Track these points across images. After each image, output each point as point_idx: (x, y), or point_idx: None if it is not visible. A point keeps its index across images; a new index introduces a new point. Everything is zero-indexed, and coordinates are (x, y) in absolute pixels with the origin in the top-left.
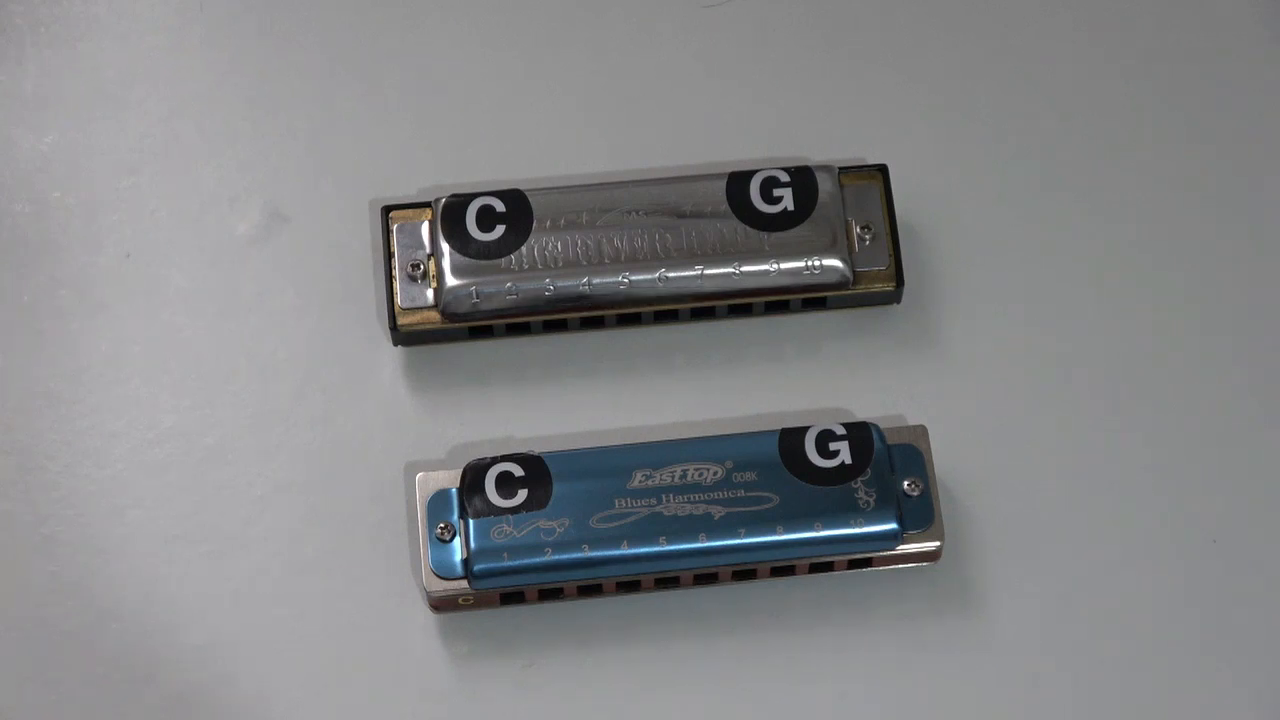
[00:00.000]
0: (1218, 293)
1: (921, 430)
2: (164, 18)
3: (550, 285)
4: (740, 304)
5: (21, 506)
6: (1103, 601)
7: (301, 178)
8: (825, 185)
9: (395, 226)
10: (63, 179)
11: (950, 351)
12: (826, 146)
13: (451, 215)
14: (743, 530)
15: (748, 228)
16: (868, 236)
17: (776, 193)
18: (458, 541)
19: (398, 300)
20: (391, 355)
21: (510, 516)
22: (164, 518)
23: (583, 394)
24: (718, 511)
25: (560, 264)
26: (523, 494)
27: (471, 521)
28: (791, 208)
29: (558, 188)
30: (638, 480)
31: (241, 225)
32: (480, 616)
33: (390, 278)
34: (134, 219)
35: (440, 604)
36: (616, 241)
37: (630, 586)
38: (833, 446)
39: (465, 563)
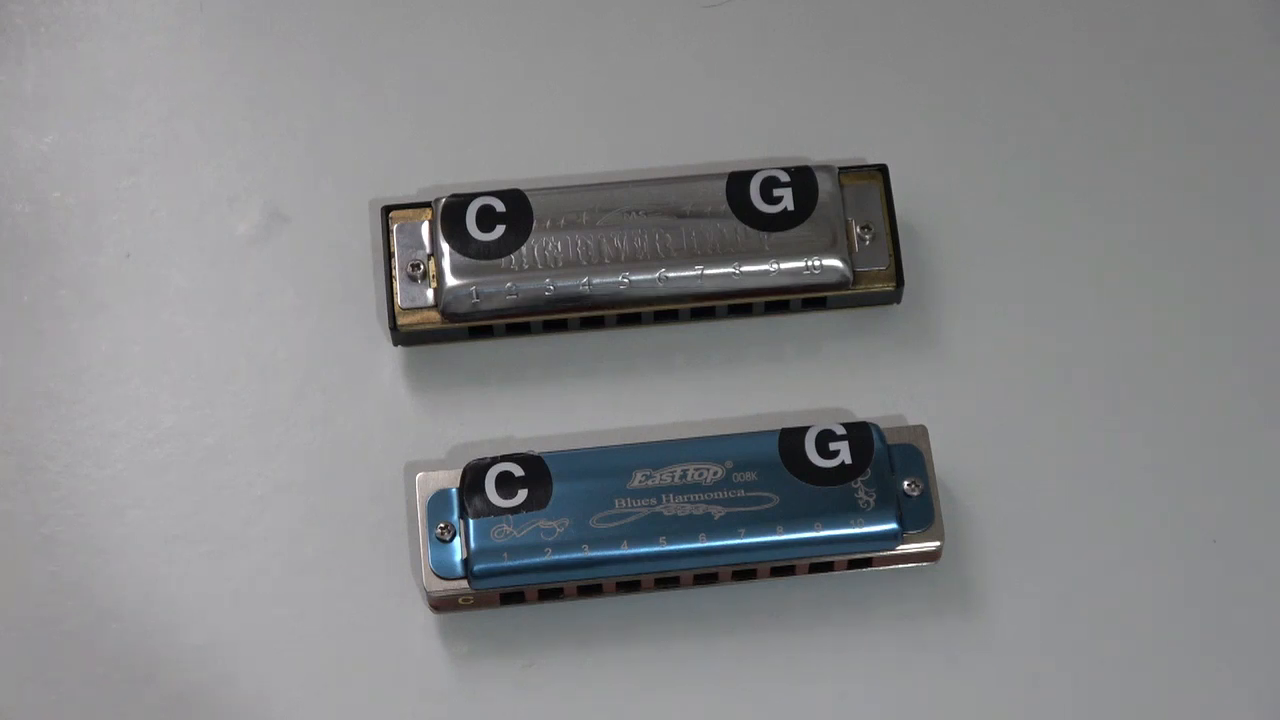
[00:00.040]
0: (1218, 293)
1: (921, 430)
2: (164, 18)
3: (550, 285)
4: (740, 304)
5: (21, 506)
6: (1103, 601)
7: (301, 178)
8: (825, 185)
9: (395, 226)
10: (63, 179)
11: (950, 351)
12: (826, 146)
13: (451, 215)
14: (743, 530)
15: (748, 228)
16: (868, 236)
17: (776, 193)
18: (458, 541)
19: (398, 300)
20: (391, 355)
21: (510, 516)
22: (164, 518)
23: (583, 394)
24: (718, 511)
25: (560, 264)
26: (523, 494)
27: (471, 521)
28: (791, 208)
29: (558, 188)
30: (638, 480)
31: (241, 225)
32: (480, 616)
33: (390, 278)
34: (134, 219)
35: (440, 604)
36: (616, 241)
37: (630, 586)
38: (833, 446)
39: (465, 563)
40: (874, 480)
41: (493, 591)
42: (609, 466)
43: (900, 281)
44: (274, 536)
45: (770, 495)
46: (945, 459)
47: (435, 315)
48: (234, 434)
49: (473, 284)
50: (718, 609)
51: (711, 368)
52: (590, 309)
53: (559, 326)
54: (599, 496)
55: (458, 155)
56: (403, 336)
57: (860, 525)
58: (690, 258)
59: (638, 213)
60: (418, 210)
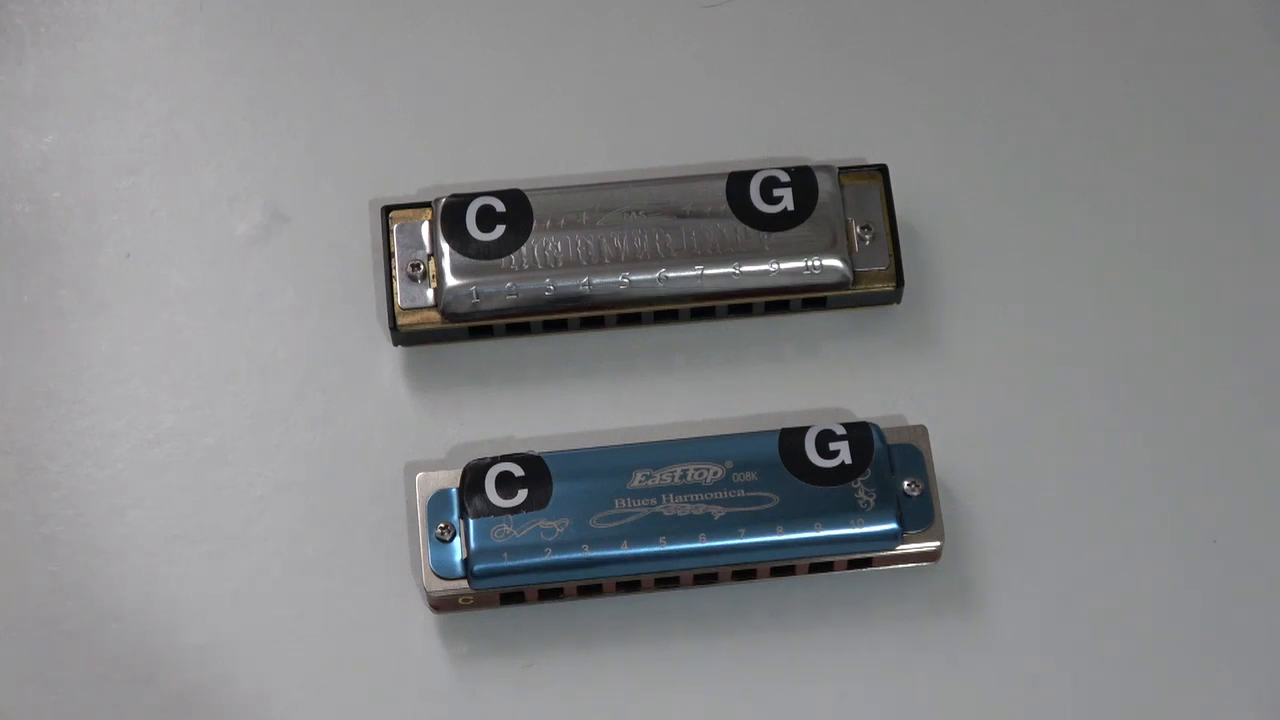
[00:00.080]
0: (1218, 293)
1: (921, 430)
2: (164, 18)
3: (550, 285)
4: (740, 304)
5: (21, 506)
6: (1103, 601)
7: (301, 178)
8: (825, 185)
9: (395, 226)
10: (63, 179)
11: (950, 351)
12: (826, 146)
13: (451, 215)
14: (743, 530)
15: (748, 228)
16: (868, 236)
17: (776, 193)
18: (458, 541)
19: (398, 300)
20: (391, 355)
21: (510, 516)
22: (164, 518)
23: (583, 394)
24: (718, 511)
25: (560, 264)
26: (523, 494)
27: (471, 521)
28: (791, 208)
29: (558, 188)
30: (638, 480)
31: (241, 225)
32: (480, 616)
33: (390, 278)
34: (134, 219)
35: (440, 604)
36: (616, 241)
37: (630, 586)
38: (833, 446)
39: (465, 563)
40: (874, 480)
41: (493, 591)
42: (609, 466)
43: (900, 281)
44: (274, 536)
45: (770, 495)
46: (945, 459)
47: (435, 315)
48: (234, 434)
49: (473, 284)
50: (718, 609)
51: (711, 368)
52: (590, 309)
53: (559, 326)
54: (599, 496)
55: (458, 155)
56: (403, 336)
57: (860, 525)
58: (690, 258)
59: (638, 213)
60: (418, 210)
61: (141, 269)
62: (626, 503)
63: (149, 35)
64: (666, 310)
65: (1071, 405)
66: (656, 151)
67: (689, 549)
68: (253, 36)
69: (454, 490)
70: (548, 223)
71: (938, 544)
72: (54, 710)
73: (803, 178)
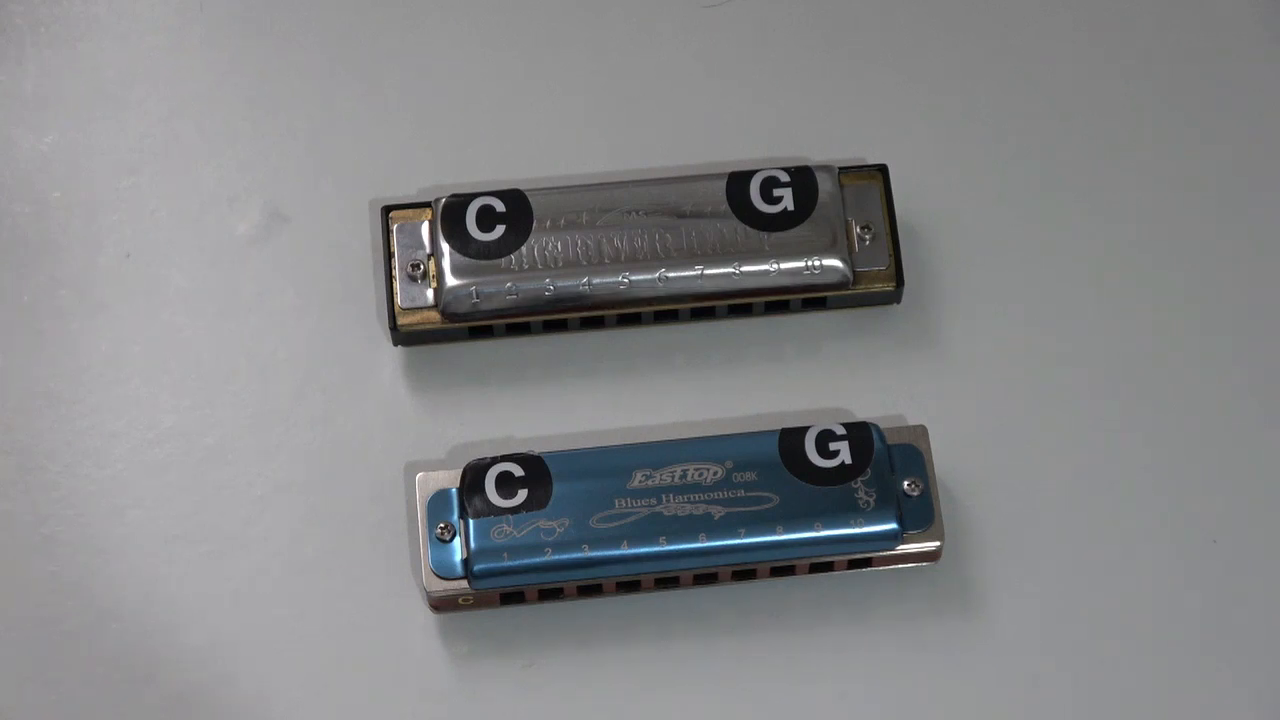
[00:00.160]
0: (1218, 293)
1: (921, 430)
2: (164, 18)
3: (550, 285)
4: (740, 304)
5: (21, 506)
6: (1103, 601)
7: (301, 178)
8: (825, 185)
9: (395, 226)
10: (63, 179)
11: (950, 351)
12: (826, 146)
13: (451, 215)
14: (743, 530)
15: (748, 228)
16: (868, 236)
17: (776, 193)
18: (458, 541)
19: (398, 300)
20: (391, 355)
21: (510, 516)
22: (164, 518)
23: (583, 394)
24: (718, 511)
25: (560, 264)
26: (523, 494)
27: (471, 521)
28: (791, 208)
29: (558, 188)
30: (638, 480)
31: (241, 225)
32: (480, 616)
33: (390, 278)
34: (134, 219)
35: (440, 604)
36: (616, 241)
37: (630, 586)
38: (833, 446)
39: (465, 563)
40: (874, 480)
41: (493, 591)
42: (609, 466)
43: (900, 281)
44: (274, 536)
45: (770, 495)
46: (945, 459)
47: (435, 315)
48: (234, 434)
49: (473, 284)
50: (718, 609)
51: (711, 368)
52: (590, 309)
53: (559, 326)
54: (599, 496)
55: (458, 155)
56: (403, 336)
57: (860, 525)
58: (690, 258)
59: (638, 213)
60: (418, 210)
61: (141, 269)
62: (626, 503)
63: (149, 35)
64: (666, 310)
65: (1071, 405)
66: (656, 151)
67: (689, 549)
68: (253, 36)
69: (454, 490)
70: (548, 223)
71: (938, 544)
72: (54, 710)
73: (803, 178)
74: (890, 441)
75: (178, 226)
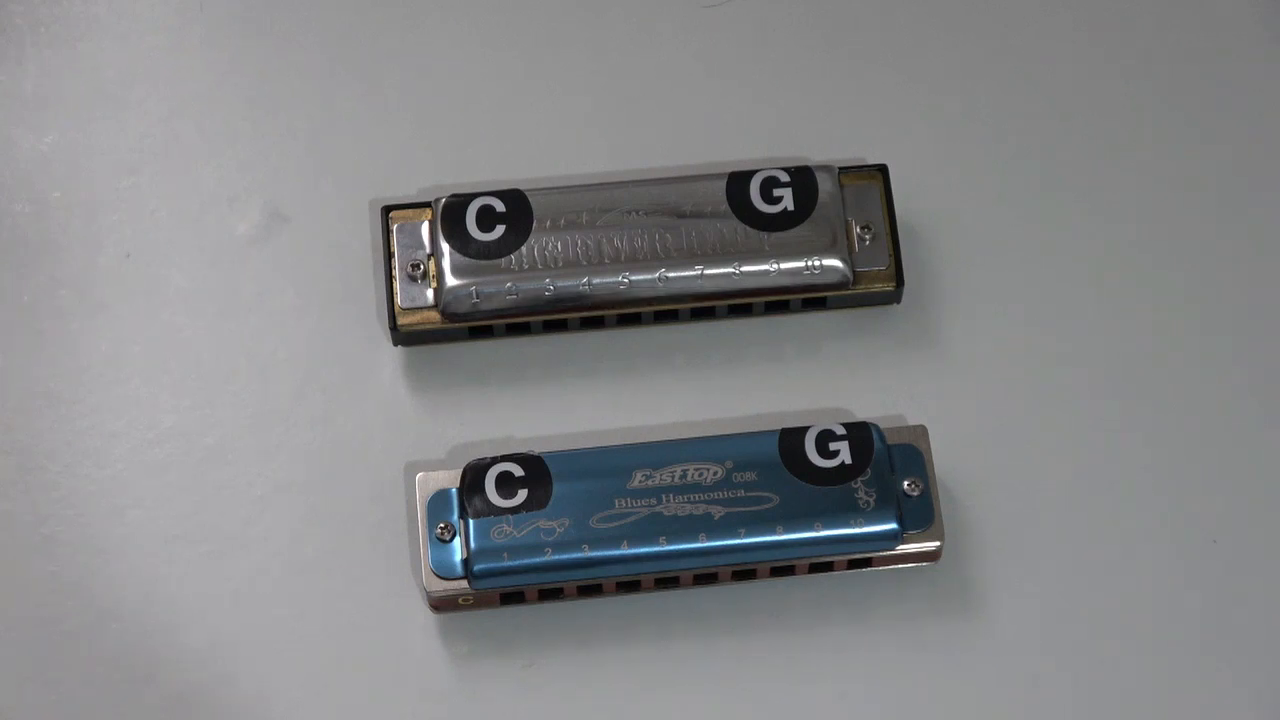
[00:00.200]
0: (1218, 293)
1: (921, 430)
2: (164, 18)
3: (550, 285)
4: (740, 304)
5: (21, 506)
6: (1103, 601)
7: (301, 178)
8: (825, 185)
9: (395, 226)
10: (63, 179)
11: (950, 351)
12: (826, 146)
13: (451, 215)
14: (743, 530)
15: (748, 228)
16: (868, 236)
17: (776, 193)
18: (458, 541)
19: (398, 300)
20: (391, 355)
21: (510, 516)
22: (164, 518)
23: (583, 394)
24: (718, 511)
25: (560, 264)
26: (523, 494)
27: (471, 521)
28: (791, 208)
29: (558, 188)
30: (638, 480)
31: (241, 225)
32: (480, 616)
33: (390, 278)
34: (134, 219)
35: (440, 604)
36: (616, 241)
37: (630, 586)
38: (833, 446)
39: (465, 563)
40: (874, 480)
41: (493, 591)
42: (609, 466)
43: (900, 281)
44: (274, 536)
45: (770, 495)
46: (945, 459)
47: (435, 315)
48: (234, 434)
49: (473, 284)
50: (718, 609)
51: (711, 368)
52: (590, 309)
53: (559, 326)
54: (599, 496)
55: (458, 155)
56: (403, 336)
57: (860, 525)
58: (690, 258)
59: (638, 213)
60: (418, 210)
61: (141, 269)
62: (626, 503)
63: (149, 35)
64: (666, 310)
65: (1071, 405)
66: (656, 151)
67: (689, 549)
68: (253, 36)
69: (454, 490)
70: (548, 223)
71: (938, 544)
72: (54, 710)
73: (803, 178)
74: (890, 441)
75: (178, 226)
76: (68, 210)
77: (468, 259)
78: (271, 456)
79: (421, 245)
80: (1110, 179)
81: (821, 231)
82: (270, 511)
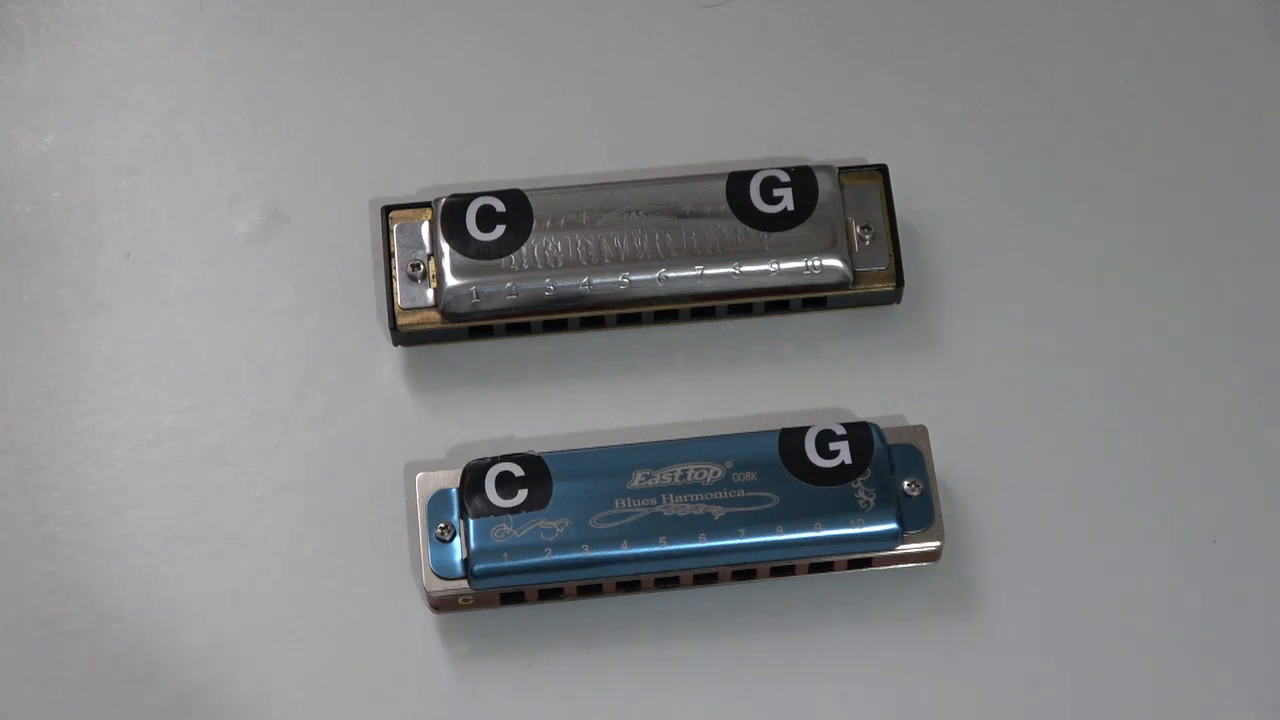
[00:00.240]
0: (1218, 293)
1: (921, 430)
2: (164, 18)
3: (550, 285)
4: (740, 304)
5: (21, 506)
6: (1103, 601)
7: (301, 178)
8: (825, 185)
9: (395, 226)
10: (63, 179)
11: (950, 351)
12: (826, 146)
13: (451, 215)
14: (743, 530)
15: (748, 228)
16: (868, 236)
17: (776, 193)
18: (458, 541)
19: (398, 300)
20: (391, 355)
21: (510, 516)
22: (164, 518)
23: (583, 394)
24: (718, 511)
25: (560, 264)
26: (523, 494)
27: (471, 521)
28: (791, 208)
29: (558, 188)
30: (638, 480)
31: (241, 225)
32: (480, 616)
33: (390, 278)
34: (134, 219)
35: (440, 604)
36: (616, 241)
37: (630, 586)
38: (833, 446)
39: (465, 563)
40: (874, 480)
41: (493, 591)
42: (609, 466)
43: (900, 281)
44: (274, 536)
45: (770, 495)
46: (945, 459)
47: (435, 315)
48: (234, 434)
49: (473, 284)
50: (718, 609)
51: (711, 368)
52: (590, 309)
53: (559, 326)
54: (599, 496)
55: (458, 155)
56: (403, 336)
57: (860, 525)
58: (690, 258)
59: (638, 213)
60: (418, 210)
61: (141, 269)
62: (626, 503)
63: (149, 35)
64: (666, 310)
65: (1071, 405)
66: (656, 151)
67: (689, 549)
68: (253, 36)
69: (454, 490)
70: (548, 223)
71: (938, 544)
72: (54, 710)
73: (803, 178)
74: (890, 441)
75: (178, 226)
76: (68, 210)
77: (468, 259)
78: (271, 456)
79: (421, 245)
80: (1110, 179)
81: (821, 231)
82: (270, 511)
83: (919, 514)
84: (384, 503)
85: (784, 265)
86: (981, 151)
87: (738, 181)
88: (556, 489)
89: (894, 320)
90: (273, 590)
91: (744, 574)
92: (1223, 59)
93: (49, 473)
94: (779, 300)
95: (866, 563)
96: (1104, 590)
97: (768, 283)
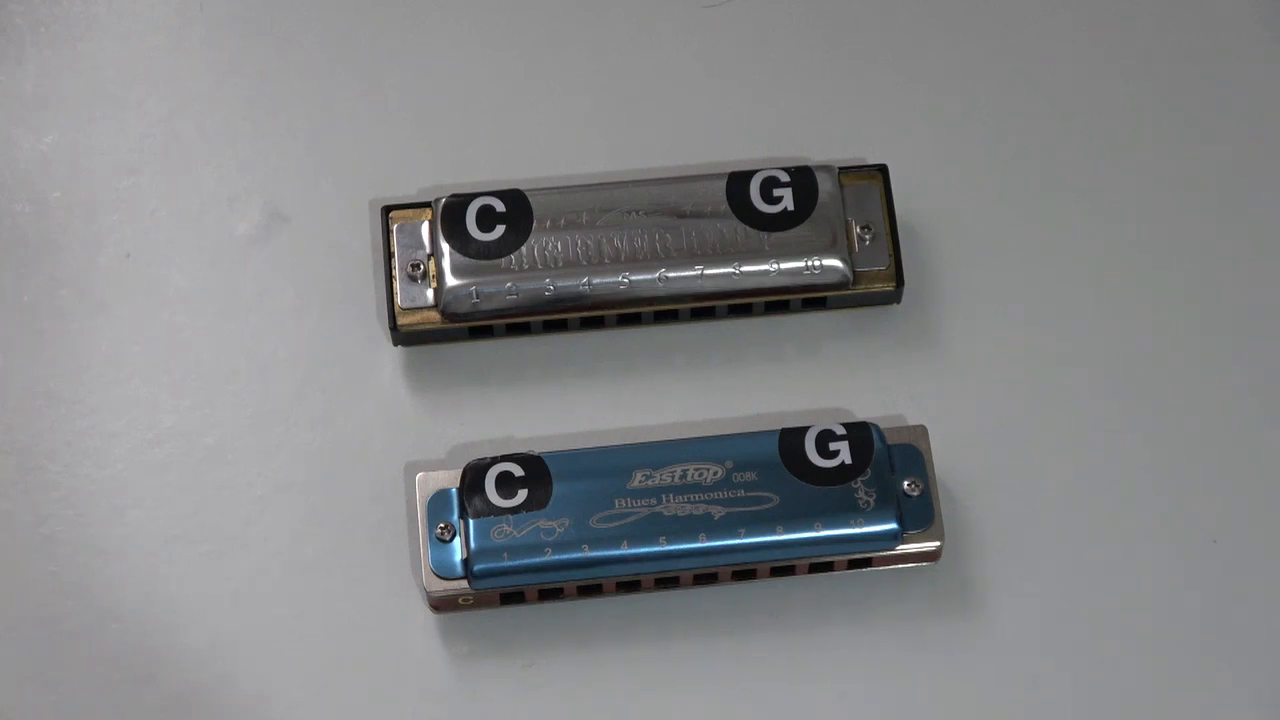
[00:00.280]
0: (1218, 293)
1: (921, 430)
2: (164, 18)
3: (550, 285)
4: (740, 304)
5: (21, 506)
6: (1103, 601)
7: (301, 178)
8: (825, 185)
9: (395, 226)
10: (63, 179)
11: (950, 351)
12: (826, 146)
13: (451, 215)
14: (743, 530)
15: (748, 228)
16: (868, 236)
17: (776, 193)
18: (458, 541)
19: (398, 300)
20: (391, 355)
21: (510, 516)
22: (164, 518)
23: (583, 394)
24: (718, 511)
25: (560, 264)
26: (523, 494)
27: (471, 521)
28: (791, 208)
29: (558, 188)
30: (638, 480)
31: (241, 225)
32: (480, 616)
33: (390, 278)
34: (134, 219)
35: (440, 604)
36: (616, 241)
37: (630, 586)
38: (833, 446)
39: (465, 563)
40: (874, 480)
41: (493, 591)
42: (609, 466)
43: (900, 281)
44: (274, 536)
45: (770, 495)
46: (945, 459)
47: (435, 315)
48: (234, 434)
49: (473, 284)
50: (718, 609)
51: (711, 368)
52: (590, 309)
53: (559, 326)
54: (599, 496)
55: (458, 155)
56: (403, 336)
57: (860, 525)
58: (690, 258)
59: (638, 213)
60: (418, 210)
61: (141, 269)
62: (626, 503)
63: (149, 35)
64: (666, 310)
65: (1071, 405)
66: (656, 151)
67: (689, 549)
68: (253, 36)
69: (454, 490)
70: (548, 223)
71: (938, 544)
72: (54, 710)
73: (803, 178)
74: (890, 441)
75: (178, 226)
76: (68, 210)
77: (468, 259)
78: (271, 456)
79: (421, 245)
80: (1110, 179)
81: (821, 231)
82: (270, 511)
83: (919, 514)
84: (384, 503)
85: (784, 265)
86: (981, 151)
87: (738, 181)
88: (556, 489)
89: (894, 320)
90: (273, 590)
91: (744, 574)
92: (1223, 59)
93: (49, 473)
94: (779, 300)
95: (866, 563)
96: (1104, 590)
97: (768, 283)
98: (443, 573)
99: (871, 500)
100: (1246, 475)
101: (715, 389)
